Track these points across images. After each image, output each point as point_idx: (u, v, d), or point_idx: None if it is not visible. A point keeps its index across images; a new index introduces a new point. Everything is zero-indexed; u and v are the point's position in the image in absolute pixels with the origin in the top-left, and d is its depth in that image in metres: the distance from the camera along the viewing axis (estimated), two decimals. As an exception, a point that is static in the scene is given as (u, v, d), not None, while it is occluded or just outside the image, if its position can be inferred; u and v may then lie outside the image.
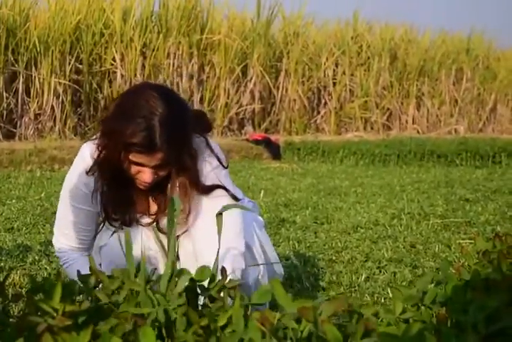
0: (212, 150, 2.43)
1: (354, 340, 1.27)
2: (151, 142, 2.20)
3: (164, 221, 2.43)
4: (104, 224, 2.53)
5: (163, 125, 2.20)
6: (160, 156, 2.24)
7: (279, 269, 2.72)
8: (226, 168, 2.48)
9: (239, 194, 2.66)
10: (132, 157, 2.25)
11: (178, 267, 2.45)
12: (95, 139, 2.42)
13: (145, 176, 2.29)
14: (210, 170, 2.41)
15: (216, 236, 2.08)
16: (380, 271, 3.56)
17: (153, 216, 2.47)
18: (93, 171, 2.40)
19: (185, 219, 2.40)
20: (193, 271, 2.40)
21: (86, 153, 2.44)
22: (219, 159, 2.44)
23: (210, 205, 2.36)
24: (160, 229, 2.43)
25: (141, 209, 2.48)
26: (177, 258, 2.48)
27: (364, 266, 3.66)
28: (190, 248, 2.44)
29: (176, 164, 2.31)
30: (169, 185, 2.39)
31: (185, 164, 2.32)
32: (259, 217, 2.75)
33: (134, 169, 2.29)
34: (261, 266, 2.50)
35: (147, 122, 2.19)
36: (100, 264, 2.49)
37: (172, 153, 2.25)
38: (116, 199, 2.43)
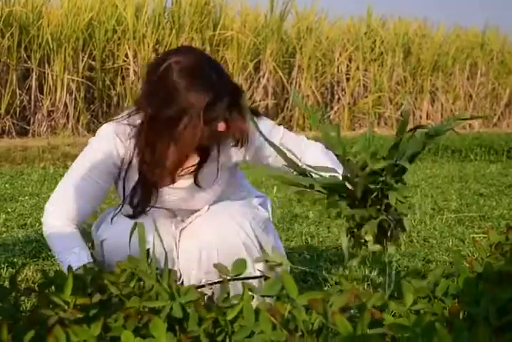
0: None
1: (362, 330, 1.27)
2: (217, 92, 2.31)
3: (202, 175, 2.48)
4: (115, 214, 2.52)
5: (220, 77, 2.34)
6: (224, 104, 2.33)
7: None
8: None
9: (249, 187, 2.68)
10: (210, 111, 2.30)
11: (178, 271, 2.46)
12: (120, 119, 2.45)
13: (221, 126, 2.34)
14: None
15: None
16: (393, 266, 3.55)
17: (191, 168, 2.48)
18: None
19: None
20: (194, 273, 2.41)
21: (110, 130, 2.45)
22: None
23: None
24: (197, 184, 2.48)
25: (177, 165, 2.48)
26: (177, 257, 2.48)
27: (378, 260, 3.64)
28: (188, 249, 2.44)
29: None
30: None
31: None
32: (267, 213, 2.71)
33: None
34: (259, 267, 2.47)
35: (209, 80, 2.31)
36: (103, 258, 2.47)
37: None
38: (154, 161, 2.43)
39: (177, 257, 2.46)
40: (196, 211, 2.54)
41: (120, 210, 2.51)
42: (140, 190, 2.48)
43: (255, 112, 2.54)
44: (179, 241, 2.47)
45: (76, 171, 2.49)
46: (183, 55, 2.35)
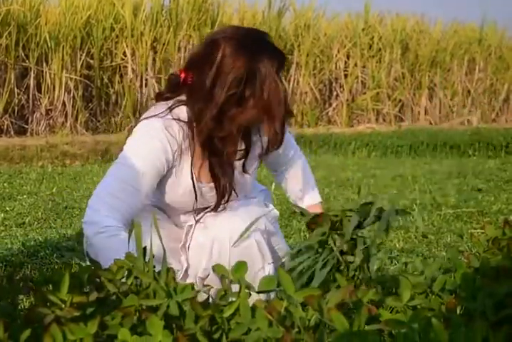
0: None
1: (358, 325, 1.27)
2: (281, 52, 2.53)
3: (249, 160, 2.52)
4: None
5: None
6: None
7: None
8: None
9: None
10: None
11: (185, 261, 2.46)
12: (164, 114, 2.37)
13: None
14: None
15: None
16: (391, 262, 3.55)
17: (241, 153, 2.49)
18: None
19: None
20: (203, 265, 2.41)
21: (157, 125, 2.35)
22: None
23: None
24: (245, 170, 2.52)
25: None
26: (188, 248, 2.48)
27: (376, 256, 3.64)
28: (201, 240, 2.43)
29: None
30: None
31: None
32: (277, 212, 2.71)
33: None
34: (269, 265, 2.47)
35: (270, 46, 2.47)
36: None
37: None
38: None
39: (188, 248, 2.46)
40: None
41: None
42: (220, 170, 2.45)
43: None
44: (192, 232, 2.46)
45: (125, 168, 2.31)
46: (231, 35, 2.40)
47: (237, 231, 2.39)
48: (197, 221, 2.48)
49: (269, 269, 2.45)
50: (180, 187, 2.44)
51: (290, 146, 2.75)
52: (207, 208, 2.50)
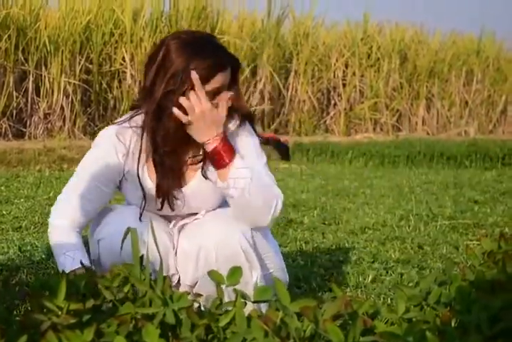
0: None
1: (353, 337, 1.28)
2: (223, 59, 2.37)
3: (209, 169, 2.47)
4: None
5: (220, 45, 2.45)
6: (226, 75, 2.37)
7: (283, 277, 2.66)
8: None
9: None
10: (215, 84, 2.34)
11: (174, 267, 2.46)
12: (122, 122, 2.47)
13: (226, 96, 2.36)
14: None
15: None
16: (387, 272, 3.56)
17: (199, 158, 2.48)
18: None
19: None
20: (190, 273, 2.40)
21: (109, 131, 2.46)
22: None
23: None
24: (204, 175, 2.48)
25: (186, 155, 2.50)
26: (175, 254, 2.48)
27: (371, 267, 3.65)
28: (186, 247, 2.43)
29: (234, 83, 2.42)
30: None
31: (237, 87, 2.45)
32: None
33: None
34: (256, 273, 2.46)
35: (212, 46, 2.39)
36: (98, 258, 2.47)
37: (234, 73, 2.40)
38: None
39: (175, 254, 2.46)
40: (194, 214, 2.54)
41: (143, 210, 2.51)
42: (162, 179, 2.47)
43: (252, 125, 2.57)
44: (177, 240, 2.47)
45: (78, 175, 2.50)
46: (179, 35, 2.43)
47: (223, 238, 2.39)
48: (180, 228, 2.49)
49: (257, 277, 2.43)
50: (138, 190, 2.49)
51: (248, 155, 2.50)
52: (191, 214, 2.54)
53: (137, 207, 2.51)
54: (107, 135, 2.47)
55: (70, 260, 2.34)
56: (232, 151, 2.37)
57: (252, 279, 2.41)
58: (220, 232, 2.40)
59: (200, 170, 2.48)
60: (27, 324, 1.46)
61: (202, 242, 2.40)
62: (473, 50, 15.22)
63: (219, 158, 2.35)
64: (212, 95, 2.35)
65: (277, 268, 2.61)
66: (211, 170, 2.45)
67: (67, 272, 2.22)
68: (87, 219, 2.50)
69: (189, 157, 2.48)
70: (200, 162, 2.47)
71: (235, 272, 1.60)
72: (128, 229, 1.87)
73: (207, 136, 2.36)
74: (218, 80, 2.34)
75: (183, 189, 2.50)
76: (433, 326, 1.55)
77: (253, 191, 2.36)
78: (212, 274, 1.60)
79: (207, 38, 2.43)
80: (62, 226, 2.47)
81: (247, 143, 2.49)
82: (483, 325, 1.49)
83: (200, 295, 1.67)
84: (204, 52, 2.34)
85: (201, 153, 2.47)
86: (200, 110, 2.31)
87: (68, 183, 2.53)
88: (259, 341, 1.36)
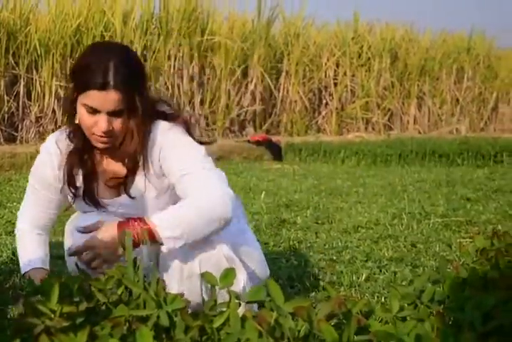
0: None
1: (348, 337, 1.28)
2: (105, 79, 2.27)
3: (132, 184, 2.46)
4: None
5: (118, 66, 2.30)
6: (114, 97, 2.28)
7: (264, 271, 2.66)
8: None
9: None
10: (88, 100, 2.29)
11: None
12: (64, 129, 2.53)
13: (101, 124, 2.30)
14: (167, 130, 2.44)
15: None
16: (380, 271, 3.56)
17: (120, 179, 2.47)
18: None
19: (138, 164, 2.43)
20: (175, 287, 2.37)
21: (50, 137, 2.55)
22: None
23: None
24: (127, 192, 2.47)
25: (109, 172, 2.50)
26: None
27: (365, 265, 3.66)
28: (169, 262, 2.41)
29: (129, 110, 2.33)
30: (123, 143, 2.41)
31: (137, 111, 2.34)
32: (246, 224, 2.72)
33: (90, 119, 2.32)
34: (243, 276, 2.45)
35: (103, 62, 2.30)
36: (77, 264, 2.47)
37: (126, 96, 2.29)
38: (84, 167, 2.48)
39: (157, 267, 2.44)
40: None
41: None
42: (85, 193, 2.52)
43: (186, 124, 2.50)
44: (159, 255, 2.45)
45: (29, 182, 2.66)
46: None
47: (204, 251, 2.36)
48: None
49: (243, 280, 2.41)
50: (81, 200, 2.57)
51: (182, 158, 2.41)
52: None
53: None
54: (48, 142, 2.56)
55: (27, 262, 2.53)
56: (141, 222, 2.23)
57: (240, 283, 2.38)
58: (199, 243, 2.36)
59: (124, 188, 2.48)
60: (20, 328, 1.46)
61: (183, 257, 2.37)
62: (463, 48, 15.24)
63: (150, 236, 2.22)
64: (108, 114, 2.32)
65: (258, 263, 2.61)
66: (136, 185, 2.46)
67: (23, 274, 2.48)
68: (46, 222, 2.67)
69: (110, 178, 2.49)
70: (122, 178, 2.47)
71: (228, 274, 1.60)
72: (124, 232, 1.87)
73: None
74: (93, 97, 2.29)
75: (119, 199, 2.52)
76: (427, 324, 1.55)
77: (194, 227, 2.25)
78: (206, 277, 1.60)
79: (113, 54, 2.34)
80: (23, 229, 2.67)
81: (178, 145, 2.42)
82: (476, 322, 1.50)
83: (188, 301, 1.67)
84: (91, 66, 2.31)
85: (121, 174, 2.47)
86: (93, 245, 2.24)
87: (25, 194, 2.69)
88: (253, 342, 1.36)
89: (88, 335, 1.40)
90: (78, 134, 2.42)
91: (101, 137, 2.33)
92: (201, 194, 2.27)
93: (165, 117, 2.47)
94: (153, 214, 2.32)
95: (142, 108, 2.33)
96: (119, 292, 1.62)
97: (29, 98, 10.39)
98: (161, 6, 11.70)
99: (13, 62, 10.25)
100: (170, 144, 2.41)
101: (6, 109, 10.12)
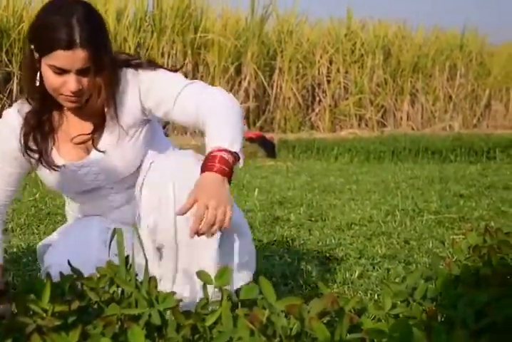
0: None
1: (340, 335, 1.28)
2: (71, 37, 2.18)
3: (100, 140, 2.40)
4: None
5: (82, 23, 2.21)
6: (82, 55, 2.20)
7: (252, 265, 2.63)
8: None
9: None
10: (54, 60, 2.20)
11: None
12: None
13: (70, 84, 2.23)
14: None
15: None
16: (374, 268, 3.56)
17: (88, 136, 2.41)
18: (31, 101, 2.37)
19: (114, 114, 2.37)
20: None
21: (12, 111, 2.42)
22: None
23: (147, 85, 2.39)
24: (95, 146, 2.41)
25: (74, 131, 2.43)
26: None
27: (358, 262, 3.65)
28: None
29: (97, 67, 2.25)
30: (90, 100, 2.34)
31: (105, 67, 2.28)
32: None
33: (57, 80, 2.23)
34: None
35: (66, 20, 2.20)
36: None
37: (93, 53, 2.22)
38: (38, 125, 2.39)
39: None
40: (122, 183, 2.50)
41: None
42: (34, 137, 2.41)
43: (151, 63, 2.48)
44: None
45: None
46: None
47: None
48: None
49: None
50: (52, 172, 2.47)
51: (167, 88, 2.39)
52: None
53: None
54: (8, 112, 2.44)
55: None
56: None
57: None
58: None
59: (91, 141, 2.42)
60: (12, 327, 1.45)
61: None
62: (456, 45, 15.27)
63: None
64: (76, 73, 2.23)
65: (247, 256, 2.58)
66: (108, 139, 2.41)
67: None
68: (2, 201, 2.46)
69: (74, 137, 2.42)
70: (89, 139, 2.41)
71: (224, 273, 1.60)
72: (114, 230, 1.86)
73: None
74: (59, 57, 2.21)
75: (85, 160, 2.45)
76: (419, 322, 1.55)
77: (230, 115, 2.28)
78: (200, 275, 1.60)
79: (74, 10, 2.24)
80: None
81: (157, 76, 2.41)
82: (469, 319, 1.50)
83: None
84: (54, 25, 2.21)
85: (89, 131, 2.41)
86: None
87: None
88: (245, 340, 1.36)
89: (80, 334, 1.40)
90: (36, 96, 2.33)
91: (70, 96, 2.26)
92: (217, 101, 2.33)
93: (128, 65, 2.42)
94: (134, 160, 2.40)
95: (108, 63, 2.28)
96: (111, 291, 1.62)
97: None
98: (154, 4, 11.70)
99: (6, 59, 10.24)
100: (147, 78, 2.39)
101: (0, 106, 10.10)
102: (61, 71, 2.22)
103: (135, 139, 2.44)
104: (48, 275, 1.76)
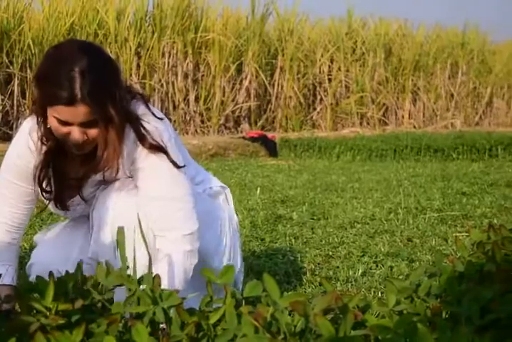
0: (151, 112, 2.33)
1: (344, 331, 1.27)
2: (71, 94, 2.11)
3: (88, 184, 2.39)
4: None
5: (85, 77, 2.12)
6: (84, 110, 2.14)
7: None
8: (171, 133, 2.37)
9: (191, 165, 2.55)
10: (57, 113, 2.16)
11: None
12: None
13: (74, 135, 2.19)
14: (151, 132, 2.29)
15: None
16: (377, 266, 3.56)
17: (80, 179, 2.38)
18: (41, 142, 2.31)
19: (114, 177, 2.34)
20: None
21: (25, 127, 2.36)
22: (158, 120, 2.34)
23: (142, 163, 2.30)
24: (82, 196, 2.40)
25: (72, 169, 2.40)
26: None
27: (361, 260, 3.65)
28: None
29: (103, 120, 2.18)
30: (99, 148, 2.27)
31: (112, 118, 2.19)
32: (235, 216, 2.71)
33: (63, 130, 2.19)
34: (238, 263, 2.45)
35: (67, 73, 2.12)
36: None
37: (97, 107, 2.15)
38: (49, 167, 2.34)
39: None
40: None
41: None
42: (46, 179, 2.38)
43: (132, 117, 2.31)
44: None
45: (1, 175, 2.42)
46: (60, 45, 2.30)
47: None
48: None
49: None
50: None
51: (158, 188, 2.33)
52: None
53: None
54: (22, 129, 2.39)
55: None
56: None
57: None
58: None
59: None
60: (15, 326, 1.45)
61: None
62: (457, 42, 15.25)
63: None
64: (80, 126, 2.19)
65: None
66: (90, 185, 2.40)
67: None
68: (20, 221, 2.44)
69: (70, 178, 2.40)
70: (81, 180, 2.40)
71: (228, 270, 1.59)
72: (119, 229, 1.85)
73: None
74: (61, 112, 2.16)
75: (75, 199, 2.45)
76: (423, 318, 1.55)
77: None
78: (204, 272, 1.60)
79: (76, 60, 2.15)
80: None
81: (152, 165, 2.32)
82: (473, 316, 1.49)
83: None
84: (55, 80, 2.15)
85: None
86: None
87: None
88: (249, 337, 1.35)
89: (84, 332, 1.40)
90: (51, 137, 2.27)
91: (76, 145, 2.23)
92: (172, 247, 2.27)
93: (142, 96, 2.35)
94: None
95: (117, 115, 2.19)
96: (114, 289, 1.61)
97: (24, 97, 10.37)
98: (154, 4, 11.69)
99: (7, 61, 10.23)
100: (147, 162, 2.32)
101: (1, 108, 10.11)
102: (65, 123, 2.18)
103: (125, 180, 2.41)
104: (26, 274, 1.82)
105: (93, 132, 2.20)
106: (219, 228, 2.55)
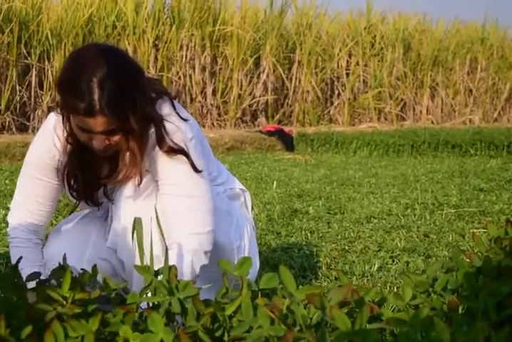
0: (177, 113, 2.30)
1: (360, 324, 1.27)
2: (90, 105, 2.10)
3: (112, 186, 2.38)
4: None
5: (104, 86, 2.11)
6: (103, 121, 2.13)
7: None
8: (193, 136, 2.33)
9: (215, 168, 2.55)
10: (78, 122, 2.17)
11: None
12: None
13: (96, 142, 2.19)
14: (173, 133, 2.26)
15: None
16: (393, 261, 3.55)
17: (104, 180, 2.37)
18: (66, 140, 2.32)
19: (137, 186, 2.31)
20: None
21: (50, 123, 2.37)
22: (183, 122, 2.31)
23: (161, 166, 2.29)
24: (105, 193, 2.40)
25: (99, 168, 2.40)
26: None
27: (377, 255, 3.64)
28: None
29: (124, 129, 2.18)
30: (121, 153, 2.29)
31: (133, 128, 2.18)
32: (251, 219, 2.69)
33: (85, 136, 2.21)
34: (256, 260, 2.45)
35: (86, 84, 2.11)
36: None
37: (116, 117, 2.13)
38: (77, 166, 2.34)
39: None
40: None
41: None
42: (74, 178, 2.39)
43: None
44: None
45: (23, 171, 2.44)
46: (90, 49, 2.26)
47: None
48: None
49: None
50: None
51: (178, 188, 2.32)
52: None
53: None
54: (46, 123, 2.40)
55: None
56: None
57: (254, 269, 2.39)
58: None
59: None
60: (32, 314, 1.46)
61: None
62: (477, 38, 15.17)
63: None
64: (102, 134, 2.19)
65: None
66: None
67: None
68: (43, 219, 2.46)
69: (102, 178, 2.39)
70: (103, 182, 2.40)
71: (246, 263, 1.59)
72: (136, 219, 1.85)
73: None
74: (80, 121, 2.16)
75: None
76: (440, 313, 1.54)
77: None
78: (221, 263, 1.60)
79: (96, 68, 2.13)
80: (17, 237, 2.44)
81: (178, 172, 2.30)
82: (490, 311, 1.48)
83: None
84: (75, 92, 2.14)
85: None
86: None
87: (17, 184, 2.48)
88: (265, 329, 1.35)
89: (100, 322, 1.40)
90: (75, 138, 2.27)
91: (99, 150, 2.24)
92: (186, 244, 2.24)
93: (167, 94, 2.33)
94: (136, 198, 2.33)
95: (138, 123, 2.18)
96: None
97: (41, 88, 10.40)
98: (173, -4, 11.69)
99: (25, 52, 10.26)
100: (162, 165, 2.30)
101: (18, 98, 10.14)
102: (86, 130, 2.19)
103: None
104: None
105: (115, 138, 2.21)
106: (240, 228, 2.55)
